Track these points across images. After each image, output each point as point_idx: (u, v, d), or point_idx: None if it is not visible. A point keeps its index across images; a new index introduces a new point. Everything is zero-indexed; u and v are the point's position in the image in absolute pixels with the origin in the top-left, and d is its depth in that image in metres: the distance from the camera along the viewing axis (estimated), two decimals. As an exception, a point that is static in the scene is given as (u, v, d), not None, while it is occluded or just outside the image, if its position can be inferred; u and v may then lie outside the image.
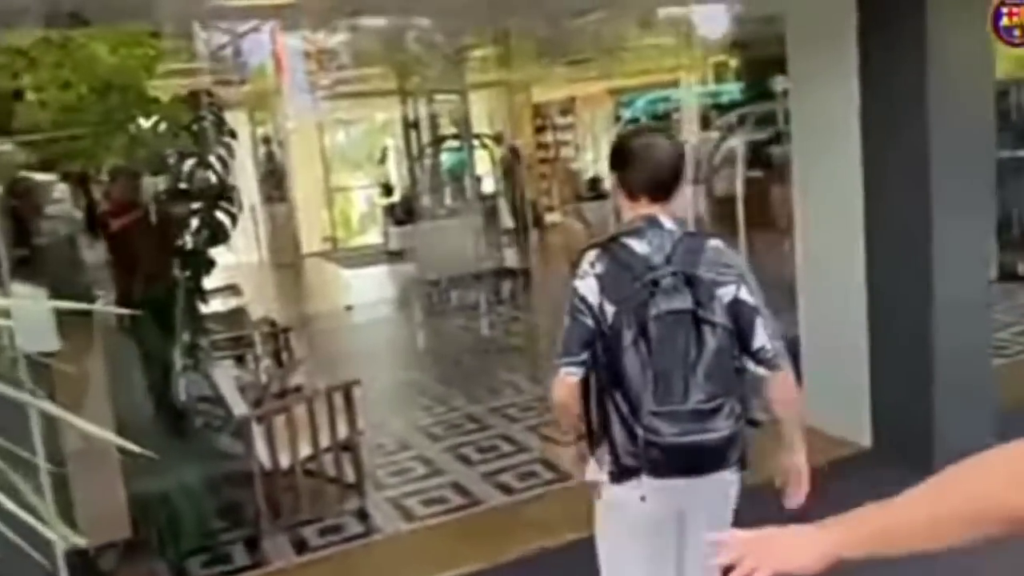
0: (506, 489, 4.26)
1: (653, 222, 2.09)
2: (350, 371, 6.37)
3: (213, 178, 4.76)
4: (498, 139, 12.10)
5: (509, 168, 12.15)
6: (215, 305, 6.39)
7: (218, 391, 3.93)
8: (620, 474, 2.06)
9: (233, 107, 11.49)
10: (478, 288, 9.04)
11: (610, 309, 2.02)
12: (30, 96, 9.11)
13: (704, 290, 2.00)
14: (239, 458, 3.96)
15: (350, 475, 4.22)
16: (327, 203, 16.67)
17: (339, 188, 17.13)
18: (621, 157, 2.15)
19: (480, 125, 12.47)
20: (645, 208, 2.11)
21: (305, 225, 14.11)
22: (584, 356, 2.04)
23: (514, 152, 12.71)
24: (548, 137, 18.02)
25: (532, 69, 12.80)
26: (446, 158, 10.35)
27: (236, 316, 6.13)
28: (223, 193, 4.78)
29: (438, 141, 9.83)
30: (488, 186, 11.70)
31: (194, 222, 4.76)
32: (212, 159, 4.72)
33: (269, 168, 13.94)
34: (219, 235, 4.76)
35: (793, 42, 4.27)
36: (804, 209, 4.38)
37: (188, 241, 4.83)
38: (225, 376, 3.97)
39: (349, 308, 9.45)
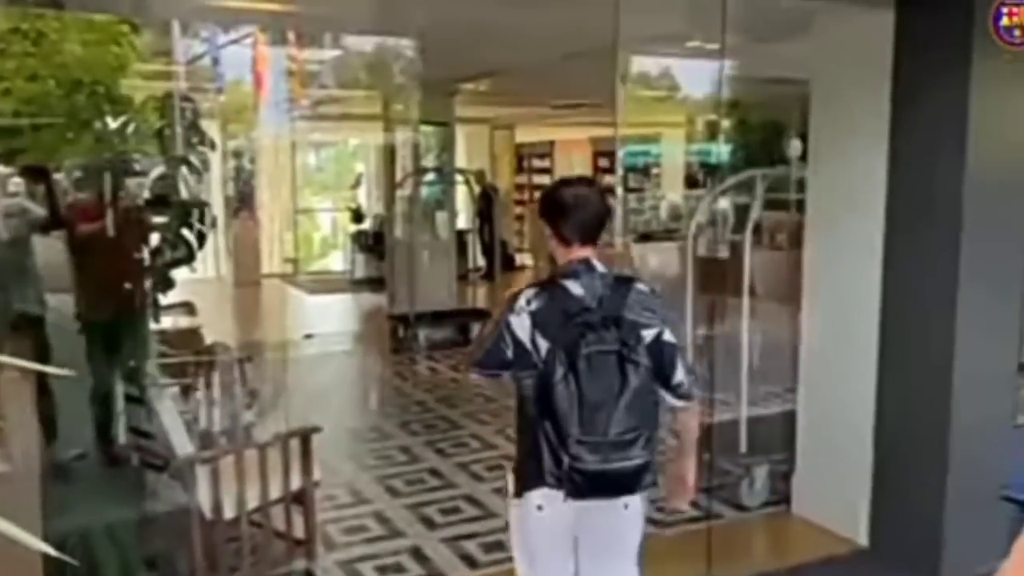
0: (470, 561, 3.87)
1: (588, 265, 2.29)
2: (308, 409, 5.97)
3: (183, 191, 4.36)
4: (479, 176, 11.84)
5: (485, 206, 11.90)
6: (165, 322, 5.96)
7: (161, 426, 3.51)
8: (522, 485, 2.29)
9: (206, 116, 11.08)
10: (446, 327, 8.69)
11: (544, 344, 2.20)
12: (-7, 84, 8.62)
13: (629, 331, 2.21)
14: (178, 503, 3.53)
15: (300, 530, 3.81)
16: (292, 224, 16.28)
17: (305, 210, 16.77)
18: (555, 206, 2.34)
19: (460, 160, 12.22)
20: (578, 252, 2.30)
21: (267, 244, 13.68)
22: (490, 372, 2.34)
23: (492, 190, 12.47)
24: (524, 179, 17.90)
25: (519, 109, 12.61)
26: (424, 190, 10.03)
27: (188, 338, 5.67)
28: (192, 208, 4.38)
29: (419, 172, 9.50)
30: (462, 223, 11.41)
31: (155, 237, 4.34)
32: (183, 169, 4.33)
33: (237, 182, 13.51)
34: (183, 255, 4.36)
35: (817, 108, 4.05)
36: (813, 282, 4.13)
37: (146, 257, 4.41)
38: (170, 409, 3.55)
39: (309, 337, 9.00)
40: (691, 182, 10.80)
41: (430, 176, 10.10)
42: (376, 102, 9.97)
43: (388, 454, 5.34)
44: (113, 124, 8.83)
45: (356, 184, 15.73)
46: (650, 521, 4.18)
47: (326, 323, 9.90)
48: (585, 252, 2.30)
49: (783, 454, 4.33)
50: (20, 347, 4.01)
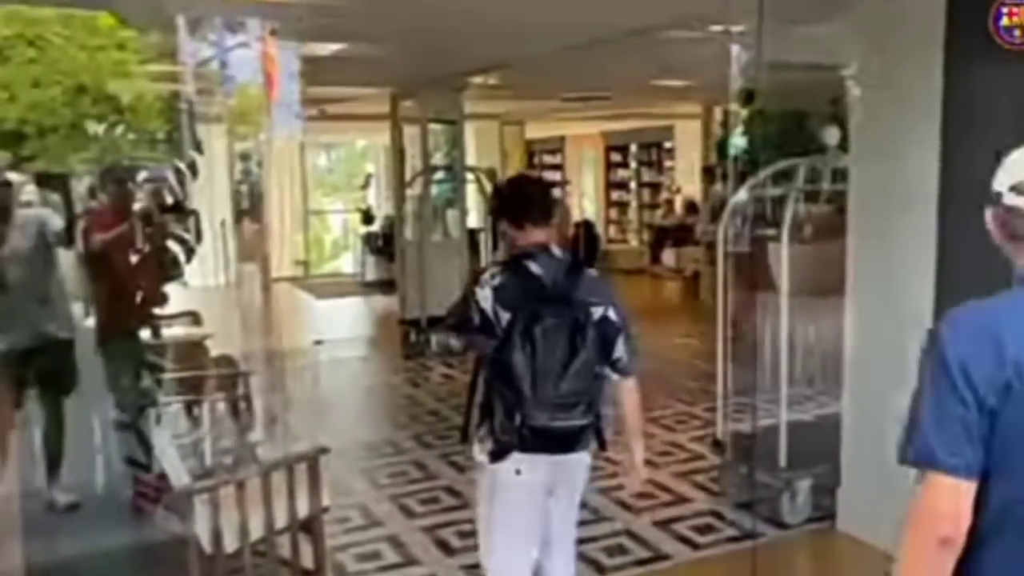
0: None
1: (546, 249, 2.61)
2: (316, 422, 5.71)
3: (168, 198, 4.09)
4: (491, 174, 11.55)
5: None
6: (167, 332, 5.70)
7: (156, 454, 3.25)
8: (499, 453, 2.56)
9: (213, 120, 10.89)
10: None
11: (504, 315, 2.51)
12: (-3, 91, 8.43)
13: (580, 309, 2.54)
14: (175, 536, 3.26)
15: (309, 559, 3.54)
16: (302, 226, 16.08)
17: (315, 211, 16.57)
18: (512, 199, 2.75)
19: (470, 157, 11.96)
20: (535, 236, 2.63)
21: (277, 247, 13.47)
22: (465, 337, 2.71)
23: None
24: (536, 175, 17.62)
25: (529, 103, 12.30)
26: (435, 189, 9.76)
27: (191, 351, 5.41)
28: (180, 216, 4.11)
29: (429, 170, 9.22)
30: (473, 222, 11.13)
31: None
32: (168, 174, 4.06)
33: (245, 185, 13.29)
34: (169, 268, 4.09)
35: (860, 92, 3.73)
36: (858, 278, 3.82)
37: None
38: (165, 436, 3.29)
39: (319, 343, 8.75)
40: (709, 174, 10.43)
41: (440, 175, 9.83)
42: (384, 100, 9.71)
43: (402, 470, 5.07)
44: (114, 130, 8.62)
45: (366, 184, 15.49)
46: (684, 540, 3.93)
47: (336, 328, 9.66)
48: (541, 236, 2.64)
49: (827, 465, 4.02)
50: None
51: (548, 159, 17.79)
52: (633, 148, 15.97)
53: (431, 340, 8.05)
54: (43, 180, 4.96)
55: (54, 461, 4.14)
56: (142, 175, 4.30)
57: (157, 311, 4.44)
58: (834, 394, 4.24)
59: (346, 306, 11.54)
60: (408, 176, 9.62)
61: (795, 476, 4.07)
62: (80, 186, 5.64)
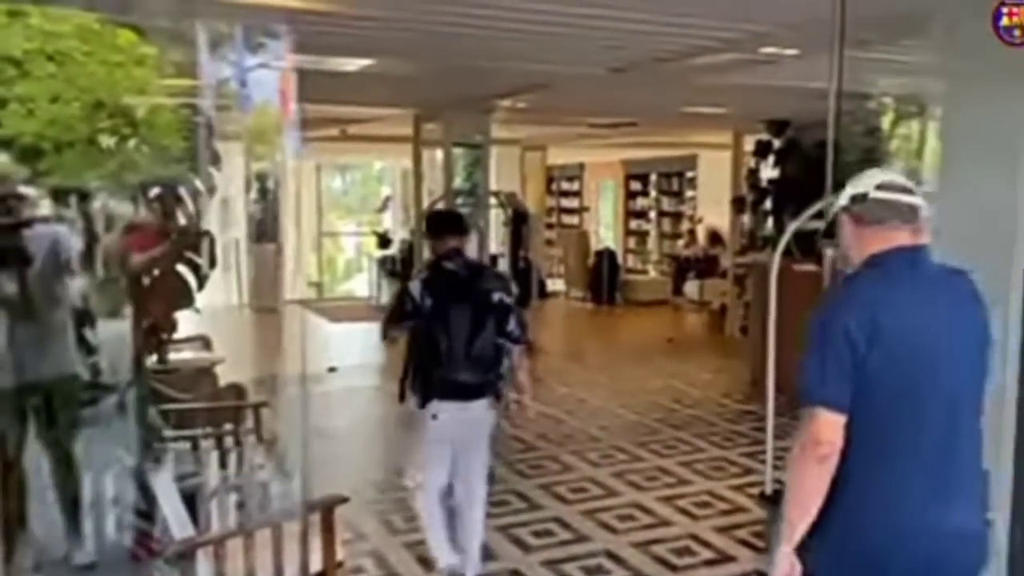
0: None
1: (459, 253, 3.64)
2: (328, 459, 5.40)
3: (182, 219, 3.80)
4: (511, 198, 11.31)
5: (516, 230, 11.36)
6: (175, 357, 5.41)
7: (155, 502, 2.94)
8: (423, 401, 3.54)
9: (230, 138, 10.67)
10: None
11: (428, 302, 3.49)
12: (15, 106, 8.28)
13: (483, 295, 3.52)
14: (176, 591, 2.94)
15: (320, 617, 3.21)
16: (316, 247, 15.88)
17: (330, 233, 16.38)
18: (436, 220, 3.93)
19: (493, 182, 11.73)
20: (450, 244, 3.63)
21: (291, 268, 13.24)
22: (400, 326, 3.64)
23: (523, 214, 11.92)
24: (553, 201, 17.36)
25: (553, 129, 12.07)
26: (456, 214, 9.51)
27: (199, 380, 5.13)
28: (190, 240, 3.82)
29: (451, 195, 8.96)
30: (493, 248, 10.86)
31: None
32: (182, 193, 3.78)
33: (261, 205, 13.12)
34: (180, 296, 3.79)
35: (940, 122, 3.42)
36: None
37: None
38: (166, 478, 2.98)
39: (333, 370, 8.45)
40: (738, 205, 10.12)
41: (460, 199, 9.58)
42: (406, 121, 9.50)
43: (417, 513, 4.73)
44: (131, 145, 8.41)
45: (383, 207, 15.28)
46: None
47: (350, 355, 9.35)
48: (455, 244, 3.65)
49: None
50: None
51: (566, 186, 17.57)
52: (653, 177, 15.72)
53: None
54: (60, 195, 4.62)
55: (69, 510, 3.75)
56: (154, 191, 4.00)
57: (164, 337, 4.11)
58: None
59: (360, 331, 11.22)
60: (426, 200, 9.37)
61: None
62: (104, 202, 5.36)
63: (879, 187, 2.02)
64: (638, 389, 7.74)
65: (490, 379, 3.54)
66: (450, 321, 3.41)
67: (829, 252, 4.43)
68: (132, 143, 8.10)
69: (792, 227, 4.28)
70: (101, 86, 8.19)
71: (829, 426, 1.90)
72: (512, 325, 3.53)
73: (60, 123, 8.11)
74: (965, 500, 1.98)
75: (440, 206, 8.91)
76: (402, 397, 3.64)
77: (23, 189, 4.24)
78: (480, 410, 3.55)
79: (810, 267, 6.49)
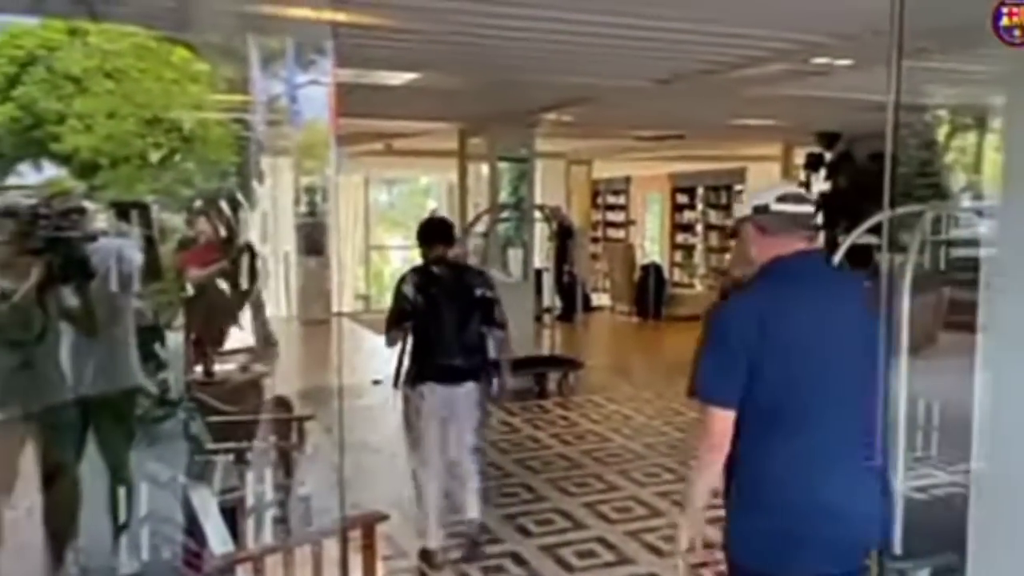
0: None
1: (443, 258, 4.12)
2: (372, 474, 5.38)
3: (223, 232, 3.82)
4: (556, 213, 11.25)
5: (561, 244, 11.29)
6: (222, 368, 5.45)
7: (194, 516, 2.94)
8: (414, 382, 4.12)
9: (280, 153, 10.83)
10: (523, 376, 8.05)
11: (420, 299, 4.04)
12: (73, 122, 8.50)
13: (467, 291, 4.10)
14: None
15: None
16: (364, 260, 16.01)
17: (377, 246, 16.50)
18: (425, 229, 4.28)
19: (536, 196, 11.70)
20: (437, 252, 4.13)
21: (337, 281, 13.34)
22: (403, 326, 4.11)
23: (568, 228, 11.85)
24: (598, 215, 17.27)
25: (598, 142, 12.02)
26: (501, 227, 9.49)
27: (247, 392, 5.15)
28: (232, 256, 3.83)
29: (497, 208, 8.95)
30: (538, 262, 10.81)
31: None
32: (223, 206, 3.80)
33: (309, 219, 13.27)
34: (222, 311, 3.80)
35: (1006, 143, 3.29)
36: (999, 333, 3.34)
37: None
38: (207, 493, 2.98)
39: (377, 383, 8.46)
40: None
41: (506, 213, 9.56)
42: (451, 136, 9.53)
43: (462, 530, 4.68)
44: (185, 160, 8.59)
45: (428, 222, 15.34)
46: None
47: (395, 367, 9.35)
48: (441, 252, 4.12)
49: (950, 554, 3.51)
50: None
51: (612, 199, 17.47)
52: (700, 190, 15.56)
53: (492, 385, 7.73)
54: (120, 209, 4.64)
55: (120, 522, 3.75)
56: (198, 205, 4.03)
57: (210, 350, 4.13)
58: (954, 466, 3.75)
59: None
60: (471, 213, 9.36)
61: (913, 567, 3.58)
62: (157, 215, 5.41)
63: (779, 199, 2.26)
64: (685, 406, 7.61)
65: (476, 363, 4.12)
66: (441, 316, 3.99)
67: (885, 264, 4.31)
68: (185, 157, 8.25)
69: (847, 241, 4.16)
70: (156, 102, 8.38)
71: (720, 421, 2.17)
72: (497, 315, 4.14)
73: (116, 138, 8.32)
74: (853, 479, 2.22)
75: (484, 220, 8.91)
76: (396, 384, 4.43)
77: (86, 203, 4.28)
78: (468, 390, 4.08)
79: (865, 282, 6.34)
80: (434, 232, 4.23)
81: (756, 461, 2.18)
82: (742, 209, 2.35)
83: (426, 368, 4.04)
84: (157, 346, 4.02)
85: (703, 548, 2.28)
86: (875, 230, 4.43)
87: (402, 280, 4.14)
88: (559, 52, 4.61)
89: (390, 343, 4.31)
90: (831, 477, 2.19)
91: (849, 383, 2.21)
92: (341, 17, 3.50)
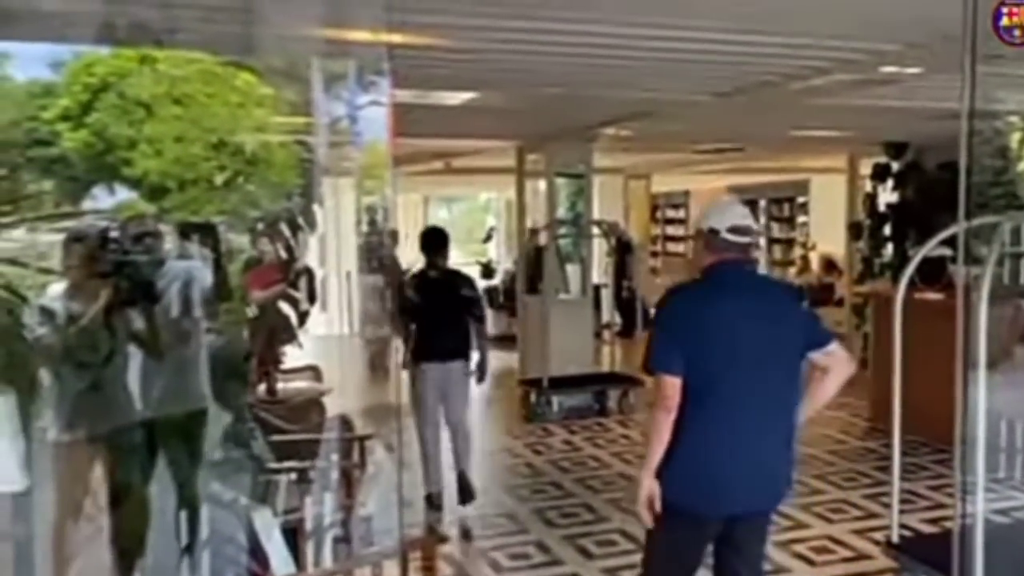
0: None
1: (437, 265, 5.15)
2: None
3: (282, 253, 3.84)
4: (614, 228, 11.17)
5: (620, 259, 11.19)
6: (284, 387, 5.51)
7: (256, 537, 2.95)
8: (415, 360, 5.09)
9: (342, 173, 10.97)
10: (583, 394, 7.97)
11: (417, 299, 5.09)
12: (144, 146, 8.77)
13: (456, 291, 5.15)
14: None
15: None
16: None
17: (437, 263, 16.59)
18: (424, 239, 5.24)
19: (594, 211, 11.62)
20: (435, 257, 5.16)
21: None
22: (409, 322, 5.17)
23: (626, 243, 11.74)
24: (658, 229, 17.09)
25: (656, 156, 11.90)
26: (560, 243, 9.44)
27: (308, 411, 5.20)
28: (291, 276, 3.85)
29: (555, 224, 8.91)
30: (596, 278, 10.73)
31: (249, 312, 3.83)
32: (283, 227, 3.83)
33: (371, 238, 13.40)
34: (280, 332, 3.82)
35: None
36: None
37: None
38: (268, 514, 2.99)
39: (437, 401, 8.47)
40: (855, 231, 9.66)
41: (564, 228, 9.52)
42: (509, 153, 9.54)
43: (523, 551, 4.64)
44: (250, 182, 8.75)
45: (488, 238, 15.37)
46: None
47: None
48: (437, 257, 5.14)
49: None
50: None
51: (671, 213, 17.29)
52: (762, 203, 15.29)
53: (552, 402, 7.69)
54: (188, 231, 4.69)
55: (187, 541, 3.79)
56: (260, 227, 4.07)
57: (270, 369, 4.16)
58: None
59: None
60: (529, 230, 9.34)
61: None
62: (230, 235, 5.49)
63: (730, 230, 2.79)
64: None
65: (461, 345, 5.11)
66: (436, 310, 5.04)
67: (961, 278, 4.14)
68: (250, 180, 8.42)
69: (920, 253, 4.01)
70: (222, 126, 8.58)
71: (669, 386, 2.71)
72: (479, 309, 5.27)
73: (184, 162, 8.53)
74: (764, 443, 2.79)
75: (543, 237, 8.89)
76: (404, 364, 5.15)
77: (161, 226, 4.34)
78: (458, 366, 5.10)
79: (936, 296, 6.11)
80: (431, 242, 5.19)
81: (689, 424, 2.72)
82: (700, 221, 2.90)
83: (426, 350, 5.05)
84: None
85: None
86: (947, 242, 4.27)
87: (406, 284, 5.33)
88: (618, 68, 4.56)
89: (398, 334, 5.32)
90: (746, 440, 2.75)
91: (765, 367, 2.75)
92: (398, 39, 3.52)
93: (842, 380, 2.97)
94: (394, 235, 6.43)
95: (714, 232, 2.78)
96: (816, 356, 2.87)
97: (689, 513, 2.74)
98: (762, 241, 15.48)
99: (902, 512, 4.17)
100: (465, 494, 5.16)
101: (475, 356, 5.21)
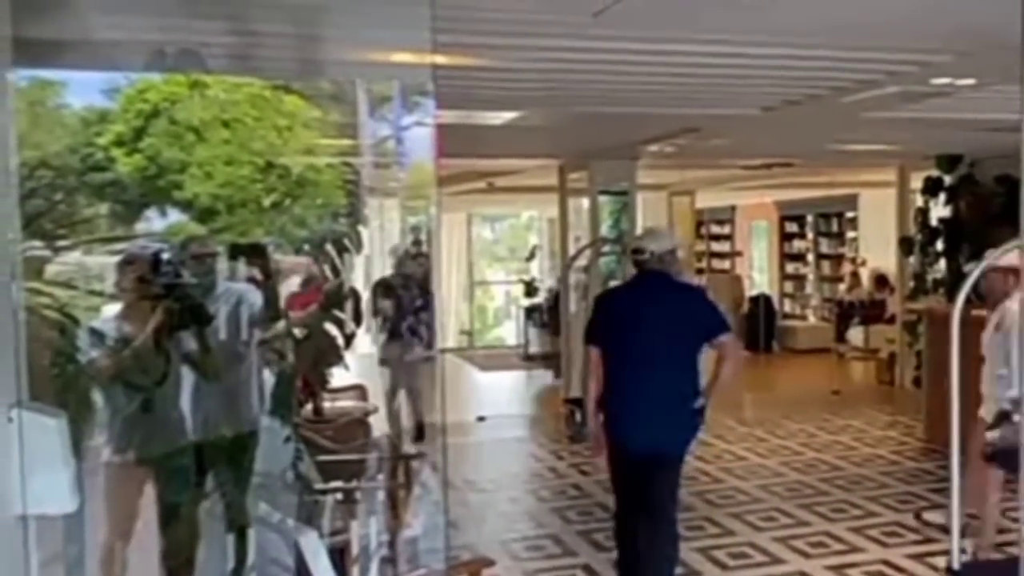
0: None
1: (401, 273, 7.04)
2: (477, 514, 5.35)
3: (329, 274, 3.85)
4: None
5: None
6: (330, 406, 5.53)
7: (302, 560, 2.93)
8: (386, 343, 6.94)
9: (388, 194, 11.04)
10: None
11: (385, 302, 6.89)
12: (194, 170, 8.98)
13: (412, 294, 6.93)
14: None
15: None
16: (468, 296, 16.16)
17: (480, 282, 16.65)
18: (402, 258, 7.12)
19: (638, 229, 11.54)
20: (400, 270, 7.05)
21: (442, 318, 13.49)
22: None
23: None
24: (703, 245, 16.92)
25: (701, 172, 11.80)
26: (603, 261, 9.39)
27: (353, 431, 5.20)
28: (337, 299, 3.85)
29: (598, 243, 8.87)
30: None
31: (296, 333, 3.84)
32: (329, 249, 3.84)
33: (415, 257, 13.50)
34: (328, 354, 3.82)
35: None
36: None
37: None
38: (313, 540, 2.97)
39: (481, 419, 8.46)
40: (907, 246, 9.45)
41: (607, 247, 9.46)
42: (551, 172, 9.54)
43: (570, 574, 4.57)
44: (297, 203, 8.88)
45: (531, 257, 15.37)
46: None
47: (499, 404, 9.35)
48: (401, 270, 6.95)
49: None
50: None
51: (716, 229, 17.11)
52: (810, 218, 15.05)
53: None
54: (239, 252, 4.72)
55: (233, 563, 3.80)
56: (305, 247, 4.10)
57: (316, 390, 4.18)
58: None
59: (509, 380, 11.26)
60: (572, 248, 9.30)
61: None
62: (277, 256, 5.55)
63: (632, 251, 4.11)
64: (801, 445, 7.29)
65: (419, 332, 6.69)
66: (398, 308, 6.75)
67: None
68: (297, 201, 8.55)
69: (977, 269, 3.90)
70: (270, 149, 8.74)
71: (594, 355, 4.02)
72: (424, 308, 6.69)
73: (233, 184, 8.70)
74: (657, 402, 3.83)
75: (586, 255, 8.85)
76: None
77: (217, 247, 4.38)
78: (419, 352, 6.72)
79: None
80: (400, 258, 6.92)
81: (608, 383, 3.94)
82: (639, 243, 4.13)
83: (392, 332, 6.78)
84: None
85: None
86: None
87: (373, 290, 6.61)
88: (664, 86, 4.53)
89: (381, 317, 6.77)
90: (640, 391, 3.83)
91: (656, 342, 3.83)
92: (443, 60, 3.53)
93: (734, 365, 4.04)
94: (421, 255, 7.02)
95: (637, 251, 4.03)
96: (711, 343, 3.94)
97: (613, 444, 3.97)
98: (811, 257, 15.27)
99: (962, 536, 4.03)
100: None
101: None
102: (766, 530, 5.21)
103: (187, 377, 3.61)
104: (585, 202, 9.14)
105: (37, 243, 3.20)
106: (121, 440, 3.36)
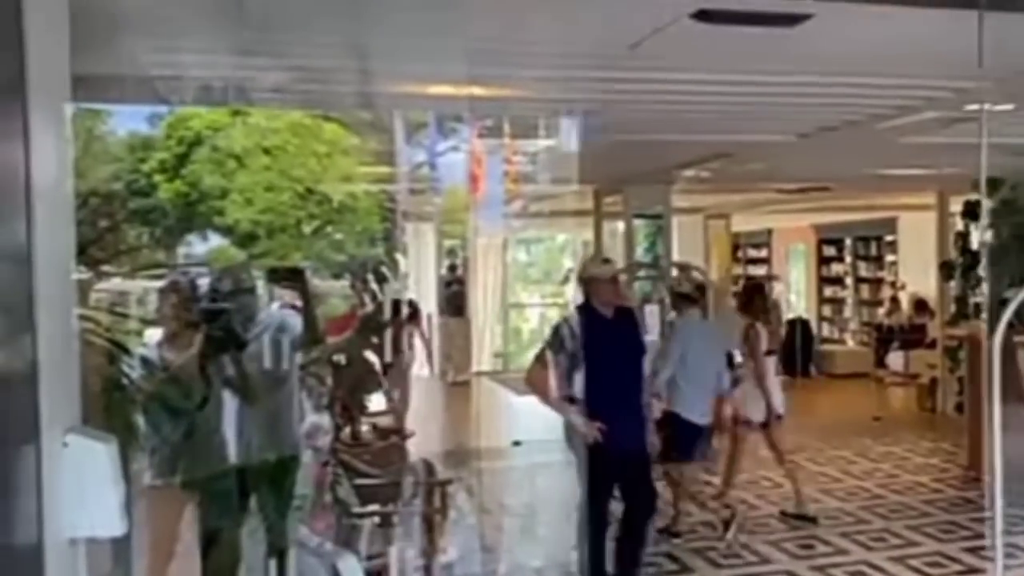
0: None
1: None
2: (514, 542, 5.33)
3: (368, 302, 3.92)
4: (685, 270, 11.04)
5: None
6: (365, 430, 5.58)
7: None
8: None
9: (424, 218, 11.20)
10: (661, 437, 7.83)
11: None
12: (235, 196, 9.18)
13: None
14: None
15: None
16: (502, 319, 16.20)
17: (515, 304, 16.68)
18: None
19: (673, 252, 11.52)
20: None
21: (477, 340, 13.53)
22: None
23: (700, 285, 11.54)
24: (740, 269, 16.81)
25: (738, 196, 11.76)
26: (638, 285, 9.38)
27: (390, 455, 5.24)
28: (376, 325, 3.92)
29: (634, 267, 8.87)
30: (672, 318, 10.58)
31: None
32: (369, 277, 3.91)
33: (450, 281, 13.65)
34: (366, 380, 3.88)
35: None
36: None
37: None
38: (352, 564, 3.01)
39: (517, 444, 8.45)
40: (947, 270, 9.31)
41: (641, 272, 9.45)
42: (586, 195, 9.57)
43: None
44: (336, 229, 9.03)
45: (565, 280, 15.38)
46: None
47: (534, 428, 9.30)
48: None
49: None
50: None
51: (753, 253, 16.99)
52: (848, 241, 14.90)
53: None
54: (278, 277, 4.79)
55: None
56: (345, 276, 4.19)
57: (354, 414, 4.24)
58: None
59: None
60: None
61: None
62: (316, 281, 5.63)
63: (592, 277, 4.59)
64: (841, 472, 7.18)
65: None
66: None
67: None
68: (336, 227, 8.69)
69: (1020, 297, 3.84)
70: (310, 176, 8.91)
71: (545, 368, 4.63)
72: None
73: (274, 210, 8.87)
74: (625, 409, 4.37)
75: (622, 279, 8.84)
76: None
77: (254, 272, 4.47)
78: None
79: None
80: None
81: (587, 391, 4.36)
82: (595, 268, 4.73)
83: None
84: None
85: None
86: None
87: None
88: (697, 113, 4.56)
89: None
90: (615, 405, 4.32)
91: (627, 367, 4.46)
92: (479, 91, 3.60)
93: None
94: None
95: (595, 278, 4.56)
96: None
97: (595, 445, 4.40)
98: (849, 281, 15.10)
99: (1006, 568, 3.95)
100: None
101: None
102: (804, 558, 5.14)
103: (229, 402, 3.68)
104: (620, 225, 9.16)
105: (83, 269, 3.30)
106: (164, 464, 3.44)
